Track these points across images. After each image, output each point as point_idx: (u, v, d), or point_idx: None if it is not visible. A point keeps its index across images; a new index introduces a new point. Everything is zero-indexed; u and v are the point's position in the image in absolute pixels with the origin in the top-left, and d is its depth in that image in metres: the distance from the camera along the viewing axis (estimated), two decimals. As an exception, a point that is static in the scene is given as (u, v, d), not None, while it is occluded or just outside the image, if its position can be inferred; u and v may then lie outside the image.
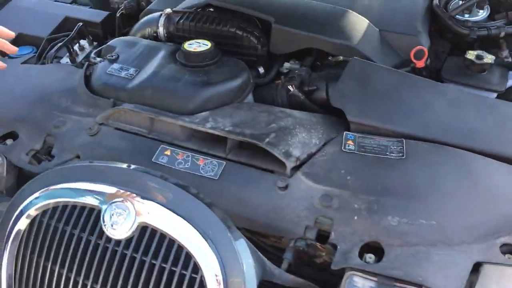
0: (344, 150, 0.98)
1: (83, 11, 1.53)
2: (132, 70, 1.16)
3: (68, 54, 1.35)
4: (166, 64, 1.16)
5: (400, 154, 0.96)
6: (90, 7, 1.61)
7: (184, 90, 1.09)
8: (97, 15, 1.49)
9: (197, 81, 1.10)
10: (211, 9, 1.35)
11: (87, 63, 1.24)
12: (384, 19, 1.31)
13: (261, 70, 1.29)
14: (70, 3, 1.63)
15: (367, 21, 1.27)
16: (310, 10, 1.28)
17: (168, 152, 1.03)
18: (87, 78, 1.20)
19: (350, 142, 1.00)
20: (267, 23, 1.26)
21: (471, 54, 1.21)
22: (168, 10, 1.33)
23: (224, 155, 1.01)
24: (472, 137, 1.00)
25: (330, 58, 1.30)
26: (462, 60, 1.23)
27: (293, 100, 1.16)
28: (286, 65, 1.28)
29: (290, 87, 1.15)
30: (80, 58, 1.34)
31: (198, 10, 1.34)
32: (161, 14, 1.33)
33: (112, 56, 1.20)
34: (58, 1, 1.61)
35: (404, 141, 0.99)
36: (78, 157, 1.05)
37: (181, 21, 1.29)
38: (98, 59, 1.23)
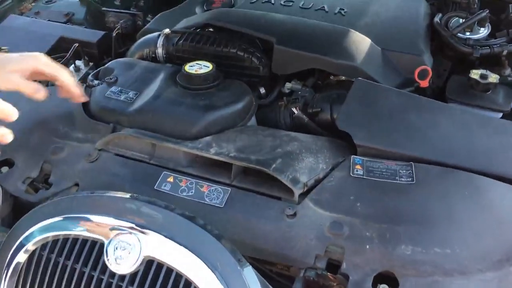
0: (352, 175, 0.96)
1: (78, 31, 1.50)
2: (131, 93, 1.13)
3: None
4: (167, 87, 1.14)
5: (410, 179, 0.94)
6: (85, 27, 1.58)
7: (186, 114, 1.06)
8: (93, 35, 1.46)
9: (199, 104, 1.08)
10: (211, 29, 1.32)
11: (84, 85, 1.21)
12: (386, 38, 1.29)
13: (262, 90, 1.27)
14: (65, 23, 1.60)
15: (369, 40, 1.26)
16: (312, 30, 1.26)
17: (171, 179, 1.00)
18: (85, 102, 1.16)
19: (358, 166, 0.98)
20: (268, 43, 1.24)
21: (475, 74, 1.20)
22: (167, 31, 1.31)
23: (229, 181, 0.98)
24: (480, 159, 0.98)
25: (331, 77, 1.28)
26: (466, 79, 1.21)
27: (297, 122, 1.14)
28: (288, 85, 1.26)
29: (294, 109, 1.13)
30: (76, 79, 1.31)
31: (198, 30, 1.32)
32: (159, 35, 1.31)
33: (110, 79, 1.17)
34: (52, 21, 1.58)
35: (413, 165, 0.97)
36: (77, 185, 1.01)
37: (181, 41, 1.27)
38: (96, 81, 1.20)
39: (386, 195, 0.92)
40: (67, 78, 0.91)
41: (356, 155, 1.02)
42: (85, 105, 1.15)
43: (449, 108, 1.10)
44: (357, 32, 1.26)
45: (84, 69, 1.38)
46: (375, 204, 0.91)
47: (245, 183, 0.98)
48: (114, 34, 1.48)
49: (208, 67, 1.15)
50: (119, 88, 1.15)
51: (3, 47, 1.30)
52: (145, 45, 1.33)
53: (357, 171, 0.97)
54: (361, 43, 1.24)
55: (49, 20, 1.57)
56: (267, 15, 1.31)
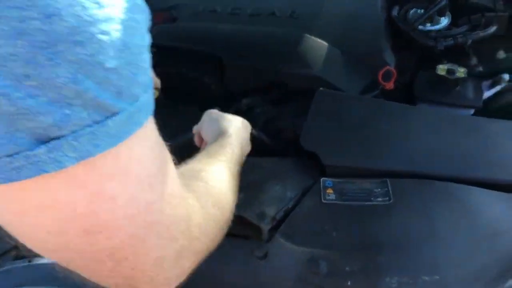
0: (324, 201, 0.87)
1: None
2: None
3: None
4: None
5: (386, 198, 0.86)
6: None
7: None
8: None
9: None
10: (154, 49, 1.21)
11: None
12: (344, 38, 1.21)
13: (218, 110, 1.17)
14: None
15: (326, 43, 1.17)
16: (263, 39, 1.16)
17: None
18: None
19: (329, 190, 0.89)
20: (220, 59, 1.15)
21: (442, 69, 1.12)
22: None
23: (190, 223, 0.88)
24: (458, 164, 0.90)
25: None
26: (434, 75, 1.14)
27: (258, 144, 1.05)
28: (245, 101, 1.17)
29: (253, 130, 1.03)
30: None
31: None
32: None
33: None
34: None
35: (388, 182, 0.89)
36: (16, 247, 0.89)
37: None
38: None
39: (363, 220, 0.84)
40: None
41: (326, 176, 0.93)
42: None
43: (418, 111, 1.02)
44: (311, 37, 1.17)
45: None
46: (352, 232, 0.82)
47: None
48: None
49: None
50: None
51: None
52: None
53: (329, 196, 0.88)
54: (318, 47, 1.15)
55: None
56: (214, 27, 1.20)
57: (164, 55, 1.15)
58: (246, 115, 1.10)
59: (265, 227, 0.83)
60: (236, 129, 0.79)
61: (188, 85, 1.13)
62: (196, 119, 0.88)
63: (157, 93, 0.90)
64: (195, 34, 1.18)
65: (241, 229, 0.85)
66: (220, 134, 0.75)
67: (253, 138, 1.04)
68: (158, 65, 1.11)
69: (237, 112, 1.15)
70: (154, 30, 1.21)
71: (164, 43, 1.18)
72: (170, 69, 1.12)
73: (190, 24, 1.25)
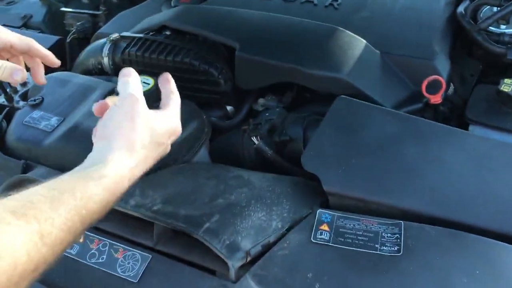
0: (314, 240, 0.69)
1: (30, 37, 1.28)
2: (54, 120, 0.90)
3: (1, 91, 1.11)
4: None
5: (396, 248, 0.66)
6: (40, 31, 1.37)
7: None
8: (45, 41, 1.24)
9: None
10: (168, 32, 1.07)
11: (7, 108, 1.00)
12: (389, 37, 1.00)
13: (230, 109, 1.01)
14: (19, 27, 1.39)
15: (365, 42, 0.97)
16: (287, 31, 0.98)
17: (81, 238, 0.77)
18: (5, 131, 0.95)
19: (324, 227, 0.70)
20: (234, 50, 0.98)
21: (506, 85, 0.88)
22: (115, 35, 1.07)
23: (152, 244, 0.74)
24: (502, 216, 0.68)
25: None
26: (495, 92, 0.90)
27: (261, 155, 0.88)
28: (261, 101, 1.00)
29: (254, 139, 0.87)
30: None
31: (151, 34, 1.06)
32: (106, 41, 1.07)
33: (35, 100, 0.95)
34: (6, 25, 1.37)
35: (402, 225, 0.68)
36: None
37: (127, 50, 1.02)
38: (22, 103, 0.98)
39: (359, 273, 0.65)
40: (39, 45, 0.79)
41: (327, 206, 0.75)
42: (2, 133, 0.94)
43: (462, 136, 0.80)
44: (347, 32, 0.97)
45: (31, 83, 1.17)
46: (341, 287, 0.64)
47: (171, 247, 0.73)
48: (68, 40, 1.26)
49: (149, 83, 0.90)
50: (41, 113, 0.92)
51: None
52: (91, 53, 1.10)
53: (321, 234, 0.69)
54: (352, 46, 0.95)
55: (3, 25, 1.36)
56: (235, 13, 1.04)
57: (174, 41, 1.01)
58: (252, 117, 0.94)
59: (234, 263, 0.67)
60: (130, 160, 0.59)
61: (193, 78, 0.98)
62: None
63: None
64: (212, 20, 1.02)
65: (208, 260, 0.70)
66: (102, 160, 0.58)
67: (255, 149, 0.88)
68: (162, 52, 0.98)
69: (251, 113, 0.99)
70: (173, 11, 1.08)
71: (175, 27, 1.04)
72: (175, 58, 0.97)
73: (212, 8, 1.09)
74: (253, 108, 1.01)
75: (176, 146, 0.83)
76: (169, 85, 0.70)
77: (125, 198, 0.75)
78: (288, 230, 0.72)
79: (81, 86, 0.97)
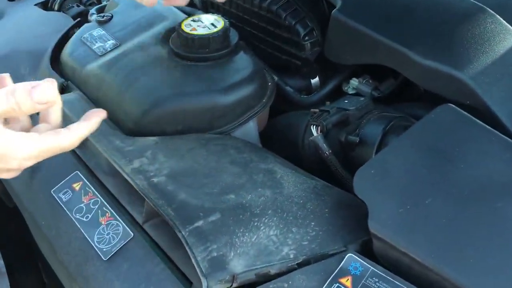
0: (324, 295, 0.49)
1: None
2: (110, 43, 0.79)
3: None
4: (150, 46, 0.76)
5: None
6: None
7: (141, 94, 0.69)
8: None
9: (158, 82, 0.69)
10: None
11: (79, 19, 0.91)
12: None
13: (315, 82, 0.81)
14: None
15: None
16: (413, 0, 0.73)
17: (77, 186, 0.66)
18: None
19: (346, 281, 0.49)
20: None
21: None
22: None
23: (141, 220, 0.60)
24: None
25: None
26: None
27: (318, 151, 0.67)
28: (353, 82, 0.77)
29: (313, 129, 0.66)
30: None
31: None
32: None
33: (103, 17, 0.85)
34: None
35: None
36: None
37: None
38: (94, 16, 0.89)
39: None
40: None
41: (370, 249, 0.53)
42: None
43: None
44: (497, 18, 0.68)
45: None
46: None
47: (159, 233, 0.59)
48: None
49: (216, 26, 0.73)
50: (103, 32, 0.82)
51: None
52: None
53: (337, 288, 0.49)
54: (495, 38, 0.66)
55: None
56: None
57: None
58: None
59: (211, 284, 0.50)
60: None
61: (274, 33, 0.79)
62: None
63: None
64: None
65: (189, 265, 0.54)
66: None
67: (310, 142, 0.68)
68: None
69: (336, 92, 0.78)
70: None
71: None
72: (261, 3, 0.78)
73: None
74: (343, 88, 0.79)
75: (217, 110, 0.68)
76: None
77: (130, 156, 0.62)
78: (300, 266, 0.52)
79: (153, 12, 0.84)
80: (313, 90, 0.81)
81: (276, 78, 0.78)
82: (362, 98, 0.70)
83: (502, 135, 0.57)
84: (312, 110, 0.72)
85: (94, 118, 0.53)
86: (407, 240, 0.50)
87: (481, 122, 0.58)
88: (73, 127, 0.51)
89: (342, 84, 0.79)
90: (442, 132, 0.57)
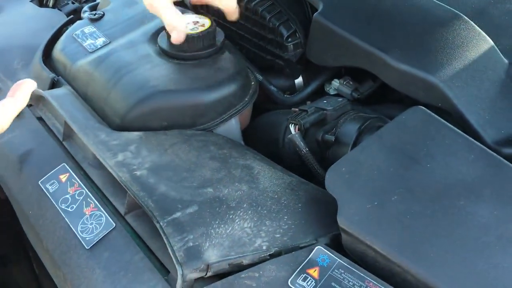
0: (291, 286, 0.51)
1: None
2: (100, 41, 0.82)
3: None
4: (139, 44, 0.79)
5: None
6: None
7: (127, 90, 0.72)
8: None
9: (144, 79, 0.72)
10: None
11: (71, 16, 0.94)
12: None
13: (299, 82, 0.84)
14: None
15: (491, 43, 0.70)
16: (392, 4, 0.75)
17: (64, 177, 0.68)
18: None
19: (313, 272, 0.52)
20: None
21: None
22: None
23: (124, 211, 0.63)
24: None
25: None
26: None
27: (296, 149, 0.70)
28: (335, 83, 0.80)
29: (292, 128, 0.69)
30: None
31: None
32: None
33: (94, 15, 0.87)
34: None
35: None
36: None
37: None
38: (87, 14, 0.91)
39: None
40: None
41: (340, 243, 0.56)
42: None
43: None
44: (471, 24, 0.71)
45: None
46: None
47: (140, 224, 0.61)
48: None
49: (203, 25, 0.76)
50: (94, 30, 0.84)
51: None
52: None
53: (304, 279, 0.52)
54: (469, 44, 0.69)
55: None
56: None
57: None
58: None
59: (185, 272, 0.53)
60: None
61: (259, 34, 0.81)
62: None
63: None
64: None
65: (167, 256, 0.57)
66: None
67: (288, 140, 0.70)
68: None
69: (318, 92, 0.81)
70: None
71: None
72: (247, 4, 0.81)
73: None
74: (325, 89, 0.82)
75: (200, 107, 0.70)
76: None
77: (115, 151, 0.65)
78: (272, 257, 0.55)
79: (143, 11, 0.86)
80: (297, 90, 0.84)
81: (261, 77, 0.81)
82: (340, 99, 0.73)
83: (468, 137, 0.59)
84: (292, 109, 0.75)
85: (18, 92, 0.53)
86: (373, 235, 0.53)
87: (449, 124, 0.61)
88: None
89: (325, 84, 0.82)
90: (411, 133, 0.60)
